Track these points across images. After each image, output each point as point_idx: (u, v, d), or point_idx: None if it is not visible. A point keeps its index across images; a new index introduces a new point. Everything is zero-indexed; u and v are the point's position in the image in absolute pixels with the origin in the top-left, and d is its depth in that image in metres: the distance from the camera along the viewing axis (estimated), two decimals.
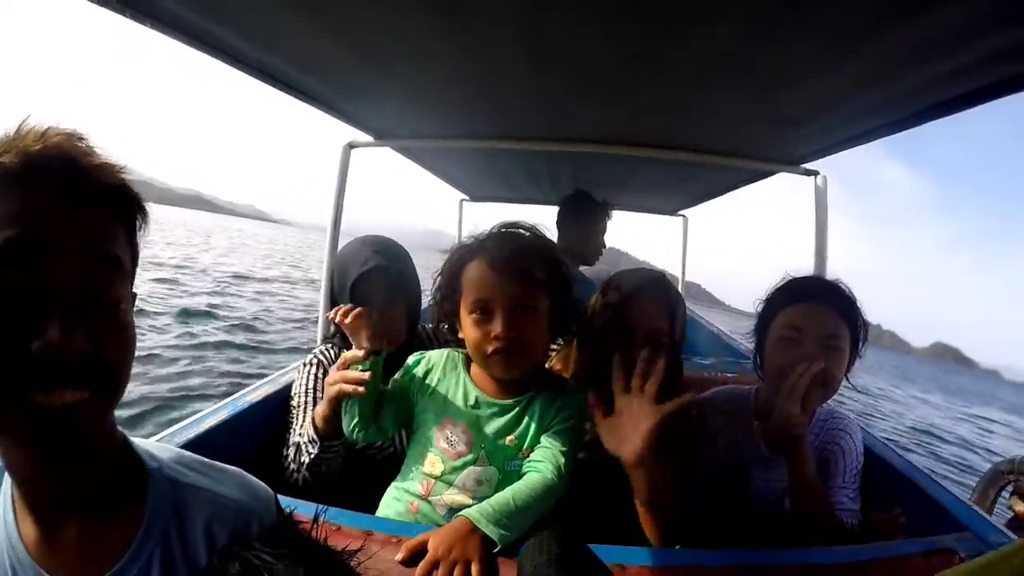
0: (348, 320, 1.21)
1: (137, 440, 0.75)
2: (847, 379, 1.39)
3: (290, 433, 1.55)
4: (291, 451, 1.45)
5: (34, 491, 0.64)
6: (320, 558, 0.66)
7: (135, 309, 0.67)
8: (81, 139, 0.60)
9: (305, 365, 1.64)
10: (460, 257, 1.19)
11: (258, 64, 1.71)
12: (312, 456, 1.38)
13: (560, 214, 2.88)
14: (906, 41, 1.13)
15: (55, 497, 0.65)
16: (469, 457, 1.15)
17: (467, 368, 1.23)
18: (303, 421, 1.52)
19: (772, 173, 2.43)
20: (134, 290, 0.67)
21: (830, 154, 2.07)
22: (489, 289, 1.11)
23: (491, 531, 0.94)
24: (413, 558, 0.91)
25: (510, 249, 1.14)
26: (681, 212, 4.38)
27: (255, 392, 1.72)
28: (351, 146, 2.48)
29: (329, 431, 1.33)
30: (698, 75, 1.45)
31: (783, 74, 1.39)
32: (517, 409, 1.18)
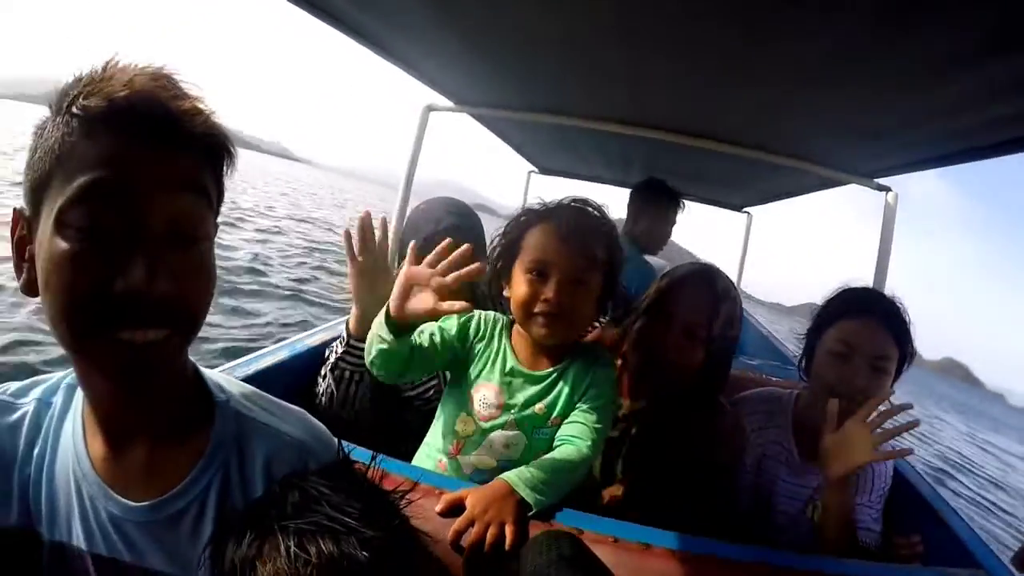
0: (448, 259, 1.05)
1: (208, 372, 0.79)
2: (889, 401, 1.35)
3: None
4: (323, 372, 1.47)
5: (109, 414, 0.69)
6: (374, 497, 0.70)
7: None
8: (169, 81, 0.61)
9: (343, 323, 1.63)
10: (528, 219, 1.22)
11: (344, 17, 1.72)
12: (337, 356, 1.41)
13: (632, 198, 2.85)
14: (1003, 72, 1.10)
15: (128, 420, 0.69)
16: (499, 420, 1.18)
17: (509, 335, 1.25)
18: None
19: (845, 183, 2.38)
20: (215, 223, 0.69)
21: (905, 172, 2.06)
22: (550, 253, 1.14)
23: (528, 495, 0.97)
24: (451, 511, 0.94)
25: (577, 222, 1.18)
26: (747, 209, 4.30)
27: (312, 337, 1.76)
28: (430, 109, 2.50)
29: (361, 332, 1.31)
30: (790, 79, 1.43)
31: (876, 88, 1.36)
32: (551, 379, 1.20)
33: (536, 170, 4.43)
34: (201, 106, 0.62)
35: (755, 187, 3.33)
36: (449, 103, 2.49)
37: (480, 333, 1.26)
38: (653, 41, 1.40)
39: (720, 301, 1.29)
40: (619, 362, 1.39)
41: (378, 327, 1.10)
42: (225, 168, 0.67)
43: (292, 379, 1.54)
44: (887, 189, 2.18)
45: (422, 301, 1.03)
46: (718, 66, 1.46)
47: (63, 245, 0.56)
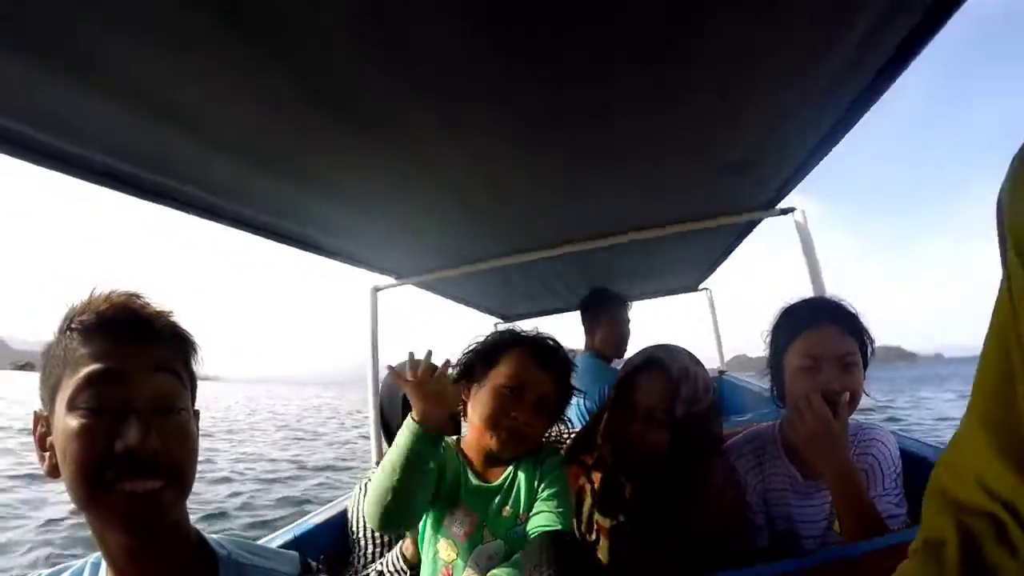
0: (429, 377, 1.14)
1: (207, 534, 0.91)
2: (865, 391, 1.41)
3: (353, 562, 1.66)
4: None
5: (123, 566, 0.80)
6: None
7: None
8: (138, 296, 0.81)
9: (359, 489, 1.75)
10: (508, 340, 1.35)
11: (284, 232, 2.02)
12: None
13: (583, 315, 3.01)
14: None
15: (141, 571, 0.80)
16: (477, 536, 1.24)
17: (460, 452, 1.34)
18: (365, 550, 1.65)
19: (756, 222, 2.55)
20: (196, 407, 0.87)
21: (792, 188, 2.20)
22: (529, 376, 1.28)
23: None
24: None
25: (556, 355, 1.34)
26: (704, 287, 4.52)
27: (315, 517, 1.89)
28: (376, 289, 2.78)
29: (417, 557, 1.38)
30: (636, 153, 1.67)
31: (712, 125, 1.56)
32: (508, 482, 1.29)
33: (499, 320, 4.68)
34: (164, 310, 0.82)
35: (691, 262, 3.54)
36: (392, 280, 2.78)
37: (446, 452, 1.32)
38: (503, 174, 1.70)
39: (678, 381, 1.32)
40: (592, 460, 1.46)
41: (409, 443, 1.11)
42: (192, 357, 0.85)
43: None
44: (791, 210, 2.34)
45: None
46: (577, 173, 1.75)
47: (75, 423, 0.73)
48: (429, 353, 1.15)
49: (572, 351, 2.87)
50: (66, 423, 0.74)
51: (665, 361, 1.35)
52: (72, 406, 0.74)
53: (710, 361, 4.72)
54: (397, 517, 1.17)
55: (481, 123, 1.37)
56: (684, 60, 1.19)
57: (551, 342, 1.37)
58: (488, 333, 1.40)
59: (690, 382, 1.32)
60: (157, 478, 0.74)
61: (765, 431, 1.55)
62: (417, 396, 1.12)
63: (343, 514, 1.86)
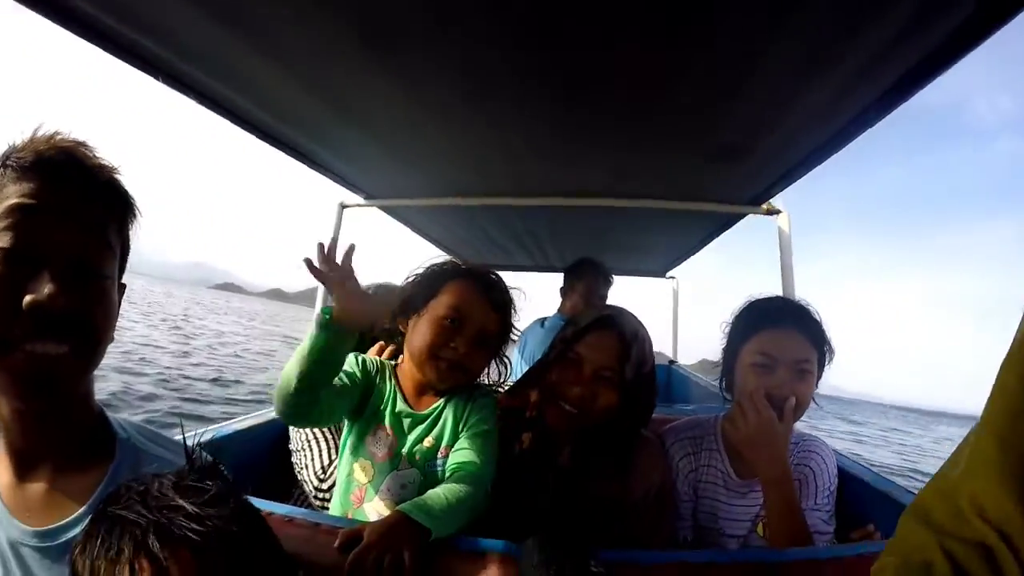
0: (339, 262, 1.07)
1: (113, 415, 0.86)
2: (814, 400, 1.39)
3: (300, 471, 1.64)
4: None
5: (14, 439, 0.75)
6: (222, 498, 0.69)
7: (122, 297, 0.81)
8: (87, 147, 0.74)
9: None
10: (451, 270, 1.31)
11: (263, 126, 1.94)
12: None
13: (564, 279, 3.00)
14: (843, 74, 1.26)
15: (31, 442, 0.75)
16: (393, 461, 1.23)
17: (395, 377, 1.32)
18: (309, 463, 1.62)
19: (738, 216, 2.56)
20: (123, 281, 0.81)
21: (780, 189, 2.20)
22: (470, 307, 1.25)
23: (425, 520, 0.95)
24: (349, 546, 0.91)
25: (498, 289, 1.31)
26: (671, 274, 4.51)
27: (242, 422, 1.84)
28: (343, 206, 2.70)
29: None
30: (626, 118, 1.64)
31: (709, 108, 1.54)
32: (435, 413, 1.27)
33: (461, 264, 4.61)
34: (108, 164, 0.75)
35: (665, 246, 3.51)
36: (360, 199, 2.70)
37: (377, 372, 1.31)
38: (508, 114, 1.66)
39: (629, 342, 1.28)
40: (529, 414, 1.39)
41: (314, 338, 1.07)
42: (129, 224, 0.79)
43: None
44: (777, 212, 2.33)
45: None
46: (566, 132, 1.73)
47: None
48: (351, 248, 1.09)
49: (544, 318, 2.86)
50: None
51: (617, 320, 1.32)
52: None
53: (664, 351, 4.78)
54: (299, 406, 1.12)
55: (480, 56, 1.33)
56: (693, 40, 1.19)
57: (493, 276, 1.34)
58: (429, 263, 1.35)
59: (639, 344, 1.30)
60: (64, 342, 0.69)
61: (706, 422, 1.53)
62: (339, 292, 1.06)
63: (279, 423, 1.83)
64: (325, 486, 1.54)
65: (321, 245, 1.06)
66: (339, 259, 1.07)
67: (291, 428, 1.73)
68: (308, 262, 1.07)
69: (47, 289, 0.66)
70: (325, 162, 2.30)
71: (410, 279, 1.34)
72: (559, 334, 1.38)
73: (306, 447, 1.64)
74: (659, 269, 4.41)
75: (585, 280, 2.92)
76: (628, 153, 1.96)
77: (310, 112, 1.78)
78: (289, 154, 2.18)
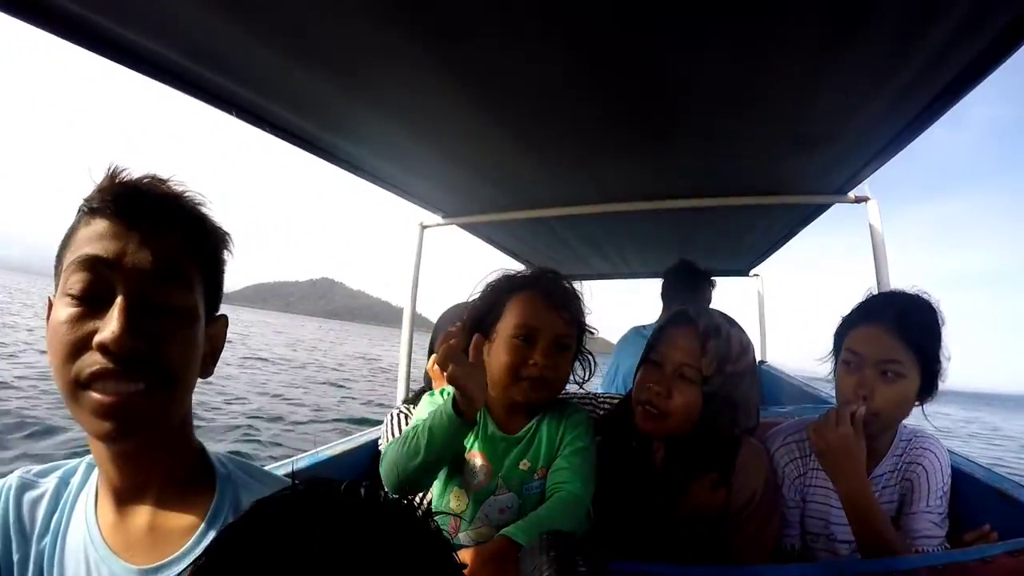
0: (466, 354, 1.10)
1: (213, 450, 0.86)
2: (923, 411, 1.32)
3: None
4: None
5: (111, 474, 0.75)
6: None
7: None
8: (161, 180, 0.73)
9: (393, 420, 1.68)
10: (510, 285, 1.27)
11: (343, 155, 1.99)
12: None
13: (664, 284, 2.89)
14: (891, 36, 1.18)
15: (128, 481, 0.75)
16: (490, 486, 1.19)
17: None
18: None
19: (824, 207, 2.42)
20: (221, 313, 0.81)
21: (864, 176, 2.11)
22: (538, 319, 1.20)
23: (527, 542, 0.94)
24: None
25: (563, 290, 1.25)
26: (755, 272, 4.34)
27: (333, 448, 1.85)
28: (424, 226, 2.75)
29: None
30: (710, 114, 1.58)
31: (794, 97, 1.47)
32: (529, 434, 1.24)
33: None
34: (182, 191, 0.74)
35: (747, 243, 3.38)
36: (439, 218, 2.73)
37: None
38: (579, 122, 1.63)
39: (707, 337, 1.23)
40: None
41: (443, 430, 1.08)
42: (219, 254, 0.78)
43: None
44: (865, 199, 2.23)
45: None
46: (636, 129, 1.66)
47: (60, 311, 0.68)
48: (479, 338, 1.12)
49: (642, 326, 2.78)
50: (56, 310, 0.69)
51: (693, 316, 1.28)
52: (63, 291, 0.68)
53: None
54: (413, 488, 1.13)
55: (550, 58, 1.30)
56: (775, 23, 1.13)
57: (551, 276, 1.28)
58: (483, 284, 1.31)
59: (721, 338, 1.23)
60: (137, 380, 0.67)
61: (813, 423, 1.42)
62: (467, 382, 1.06)
63: (370, 447, 1.85)
64: None
65: (452, 346, 1.07)
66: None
67: (381, 445, 1.72)
68: (432, 369, 1.08)
69: (112, 327, 0.65)
70: (403, 184, 2.34)
71: (473, 302, 1.30)
72: (649, 339, 1.35)
73: None
74: (743, 268, 4.25)
75: (690, 286, 2.78)
76: (707, 150, 1.89)
77: (386, 134, 1.80)
78: (367, 179, 2.22)
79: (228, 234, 0.79)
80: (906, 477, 1.34)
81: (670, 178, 2.14)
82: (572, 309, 1.24)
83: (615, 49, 1.25)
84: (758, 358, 4.33)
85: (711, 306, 2.65)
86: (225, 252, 0.80)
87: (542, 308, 1.21)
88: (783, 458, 1.43)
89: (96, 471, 0.80)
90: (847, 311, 1.40)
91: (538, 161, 1.98)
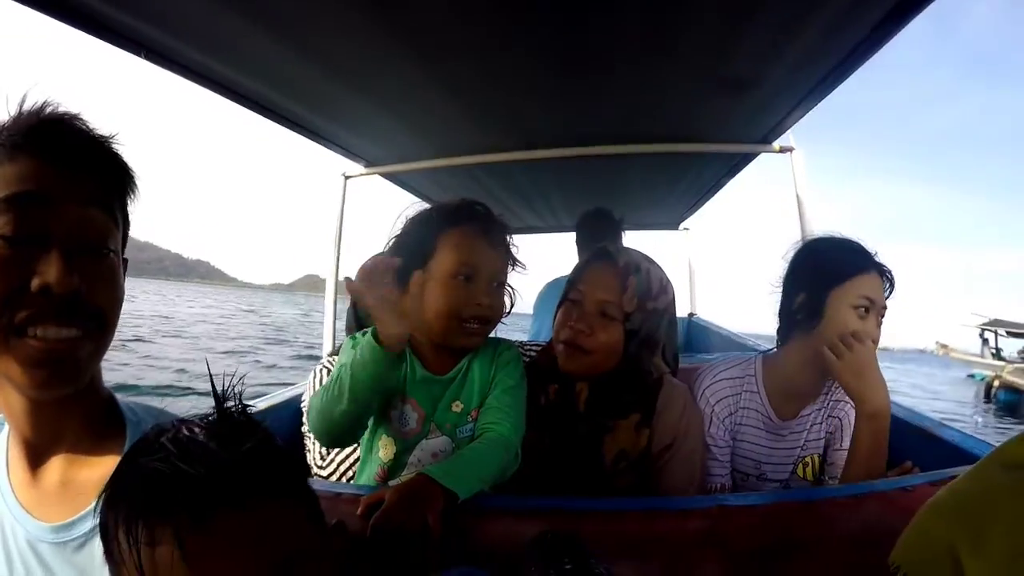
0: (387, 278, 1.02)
1: (121, 397, 0.82)
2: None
3: (307, 439, 1.59)
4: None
5: (26, 429, 0.72)
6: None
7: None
8: (77, 117, 0.70)
9: (316, 377, 1.65)
10: (443, 218, 1.17)
11: (256, 97, 1.88)
12: None
13: (577, 235, 2.91)
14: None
15: (44, 435, 0.72)
16: (421, 432, 1.16)
17: (408, 344, 1.16)
18: (312, 445, 1.56)
19: (750, 157, 2.50)
20: (125, 256, 0.77)
21: (790, 124, 2.14)
22: (477, 256, 1.13)
23: (449, 483, 0.91)
24: (372, 512, 0.88)
25: (499, 225, 1.19)
26: (685, 226, 4.42)
27: (259, 402, 1.81)
28: (346, 176, 2.68)
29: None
30: (633, 60, 1.60)
31: (716, 39, 1.48)
32: (460, 375, 1.18)
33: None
34: (103, 135, 0.71)
35: (675, 194, 3.42)
36: (361, 168, 2.66)
37: None
38: (504, 69, 1.62)
39: (627, 274, 1.23)
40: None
41: (369, 366, 1.01)
42: (129, 196, 0.75)
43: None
44: (790, 149, 2.30)
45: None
46: (555, 76, 1.67)
47: None
48: (392, 259, 1.03)
49: (561, 277, 2.82)
50: None
51: (613, 253, 1.27)
52: None
53: (683, 305, 4.67)
54: (345, 437, 1.10)
55: (474, 6, 1.30)
56: None
57: (480, 208, 1.20)
58: (409, 214, 1.22)
59: (642, 275, 1.24)
60: (75, 325, 0.65)
61: (745, 363, 1.48)
62: (382, 313, 0.99)
63: (293, 404, 1.80)
64: (324, 473, 1.49)
65: (367, 268, 1.01)
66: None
67: (303, 402, 1.68)
68: (348, 281, 1.03)
69: (54, 270, 0.62)
70: (325, 131, 2.24)
71: (399, 237, 1.21)
72: (569, 277, 1.33)
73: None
74: (672, 221, 4.32)
75: (602, 234, 2.76)
76: (633, 95, 1.90)
77: (307, 79, 1.71)
78: (286, 126, 2.12)
79: (136, 177, 0.77)
80: (834, 415, 1.41)
81: (595, 124, 2.15)
82: (505, 241, 1.19)
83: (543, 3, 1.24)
84: (688, 311, 4.51)
85: None
86: (133, 195, 0.77)
87: (480, 243, 1.14)
88: (713, 396, 1.43)
89: (4, 431, 0.76)
90: (803, 261, 1.43)
91: (463, 108, 1.95)
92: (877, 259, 1.35)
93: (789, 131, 2.23)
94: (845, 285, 1.32)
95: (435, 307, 1.12)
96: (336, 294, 2.66)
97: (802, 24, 1.40)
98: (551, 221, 4.06)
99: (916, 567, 0.59)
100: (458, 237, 1.14)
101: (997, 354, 26.14)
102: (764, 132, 2.24)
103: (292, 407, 1.80)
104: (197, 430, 0.56)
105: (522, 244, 1.27)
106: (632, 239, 3.13)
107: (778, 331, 1.44)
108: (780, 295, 1.43)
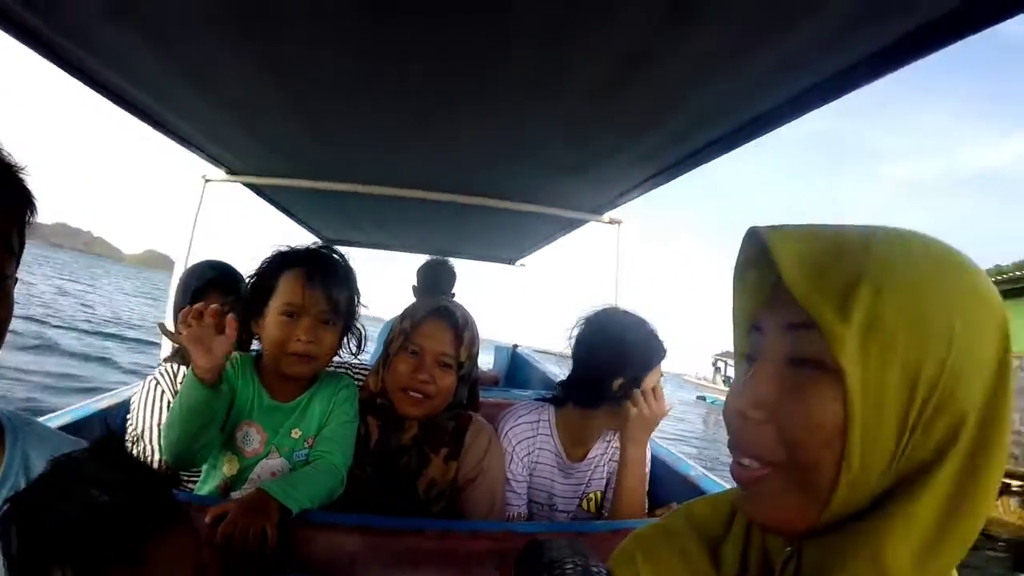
0: (205, 320, 1.14)
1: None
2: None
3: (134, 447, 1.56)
4: None
5: None
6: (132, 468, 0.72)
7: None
8: None
9: (145, 388, 1.64)
10: (282, 261, 1.34)
11: (123, 94, 1.81)
12: None
13: (418, 275, 3.15)
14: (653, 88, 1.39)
15: None
16: (262, 452, 1.30)
17: (257, 371, 1.34)
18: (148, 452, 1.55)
19: (582, 222, 2.82)
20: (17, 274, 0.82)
21: (626, 201, 2.44)
22: (301, 297, 1.28)
23: (285, 500, 1.08)
24: (218, 522, 1.02)
25: (325, 268, 1.33)
26: (521, 263, 4.69)
27: (99, 402, 1.81)
28: (206, 180, 2.63)
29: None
30: (484, 127, 1.79)
31: (564, 134, 1.71)
32: (301, 405, 1.34)
33: (320, 242, 4.51)
34: (13, 164, 0.74)
35: (515, 238, 3.72)
36: (223, 174, 2.63)
37: (237, 373, 1.32)
38: (374, 101, 1.69)
39: (462, 327, 1.40)
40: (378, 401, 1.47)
41: (191, 396, 1.14)
42: (28, 219, 0.78)
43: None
44: (618, 222, 2.61)
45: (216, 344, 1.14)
46: (418, 123, 1.80)
47: None
48: (194, 306, 1.16)
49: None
50: None
51: (450, 311, 1.43)
52: None
53: (509, 336, 5.02)
54: (193, 456, 1.22)
55: (346, 48, 1.36)
56: (550, 75, 1.35)
57: (322, 251, 1.38)
58: (262, 260, 1.38)
59: (470, 329, 1.43)
60: None
61: (540, 407, 1.67)
62: (193, 348, 1.13)
63: (122, 408, 1.77)
64: None
65: (185, 311, 1.14)
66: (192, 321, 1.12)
67: (131, 412, 1.65)
68: (162, 327, 1.16)
69: None
70: (186, 135, 2.20)
71: (254, 276, 1.37)
72: (399, 326, 1.46)
73: (144, 440, 1.59)
74: (512, 257, 4.58)
75: (436, 280, 3.09)
76: (477, 157, 2.10)
77: (175, 85, 1.68)
78: (146, 122, 2.04)
79: (36, 201, 0.79)
80: (614, 460, 1.60)
81: (440, 173, 2.35)
82: (338, 286, 1.33)
83: (395, 44, 1.32)
84: (514, 342, 4.86)
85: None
86: (32, 217, 0.79)
87: (305, 286, 1.28)
88: (516, 436, 1.60)
89: None
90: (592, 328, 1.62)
91: (320, 138, 2.04)
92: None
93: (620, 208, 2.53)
94: (654, 369, 1.55)
95: (267, 340, 1.30)
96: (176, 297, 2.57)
97: (637, 138, 1.66)
98: (404, 242, 4.25)
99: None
100: (287, 279, 1.31)
101: (727, 380, 31.26)
102: (596, 206, 2.54)
103: (125, 411, 1.75)
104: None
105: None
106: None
107: (566, 388, 1.65)
108: (578, 360, 1.61)
